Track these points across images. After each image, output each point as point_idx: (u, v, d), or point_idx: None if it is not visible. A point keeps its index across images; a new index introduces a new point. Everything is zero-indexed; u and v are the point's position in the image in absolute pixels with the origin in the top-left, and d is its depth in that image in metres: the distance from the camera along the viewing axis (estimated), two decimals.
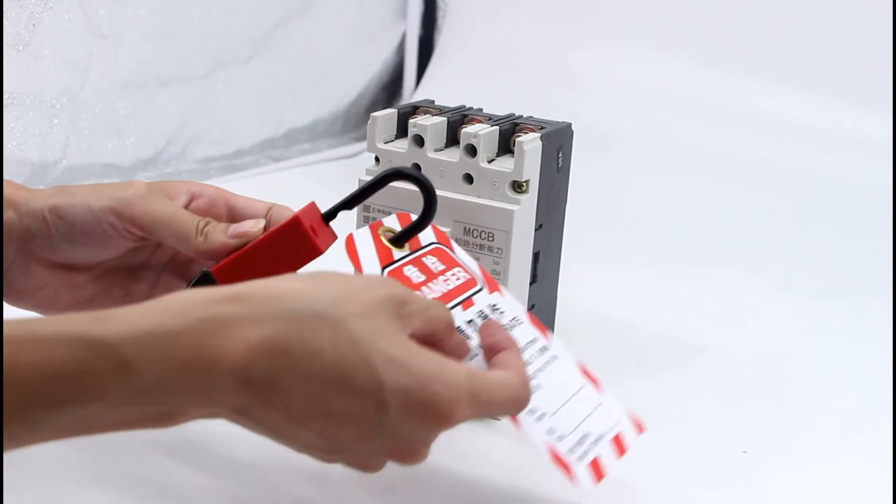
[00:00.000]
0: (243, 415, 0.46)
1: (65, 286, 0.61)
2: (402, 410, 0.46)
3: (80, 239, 0.59)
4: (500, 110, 0.70)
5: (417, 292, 0.53)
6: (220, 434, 0.59)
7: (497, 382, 0.51)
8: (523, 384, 0.52)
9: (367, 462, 0.50)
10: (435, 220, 0.65)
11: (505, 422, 0.68)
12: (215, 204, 0.61)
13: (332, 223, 0.58)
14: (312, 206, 0.58)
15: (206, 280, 0.57)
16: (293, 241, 0.56)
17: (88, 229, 0.58)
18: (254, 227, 0.58)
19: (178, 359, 0.43)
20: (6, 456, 0.42)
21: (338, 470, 0.52)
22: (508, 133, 0.66)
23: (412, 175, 0.56)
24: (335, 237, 0.58)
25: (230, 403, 0.45)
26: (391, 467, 0.52)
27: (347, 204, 0.58)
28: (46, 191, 0.59)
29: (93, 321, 0.42)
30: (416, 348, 0.48)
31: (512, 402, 0.52)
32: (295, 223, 0.56)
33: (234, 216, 0.61)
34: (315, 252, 0.56)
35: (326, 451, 0.48)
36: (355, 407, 0.46)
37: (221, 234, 0.58)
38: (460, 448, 0.65)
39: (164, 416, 0.44)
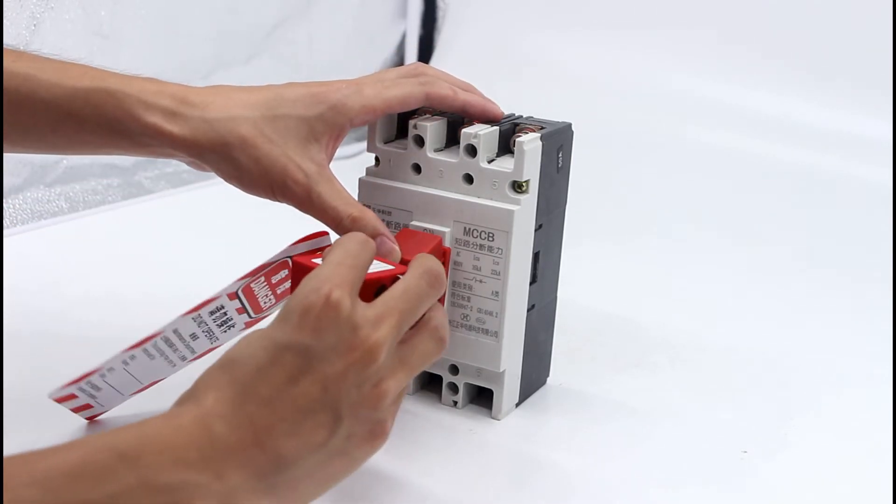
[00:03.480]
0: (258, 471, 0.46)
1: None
2: (300, 331, 0.48)
3: (243, 183, 0.61)
4: None
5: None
6: None
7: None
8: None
9: (368, 391, 0.49)
10: (435, 220, 0.66)
11: (505, 422, 0.68)
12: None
13: None
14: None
15: None
16: None
17: (258, 184, 0.61)
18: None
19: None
20: None
21: None
22: (508, 133, 0.66)
23: None
24: None
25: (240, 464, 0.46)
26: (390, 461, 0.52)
27: None
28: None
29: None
30: None
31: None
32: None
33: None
34: None
35: (332, 422, 0.48)
36: (286, 368, 0.47)
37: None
38: (460, 448, 0.65)
39: None
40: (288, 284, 0.63)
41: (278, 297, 0.64)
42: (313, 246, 0.61)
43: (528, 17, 1.47)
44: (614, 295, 0.91)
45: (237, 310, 0.62)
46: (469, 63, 1.44)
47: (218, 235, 1.01)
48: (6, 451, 0.59)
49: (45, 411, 0.63)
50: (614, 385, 0.74)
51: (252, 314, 0.63)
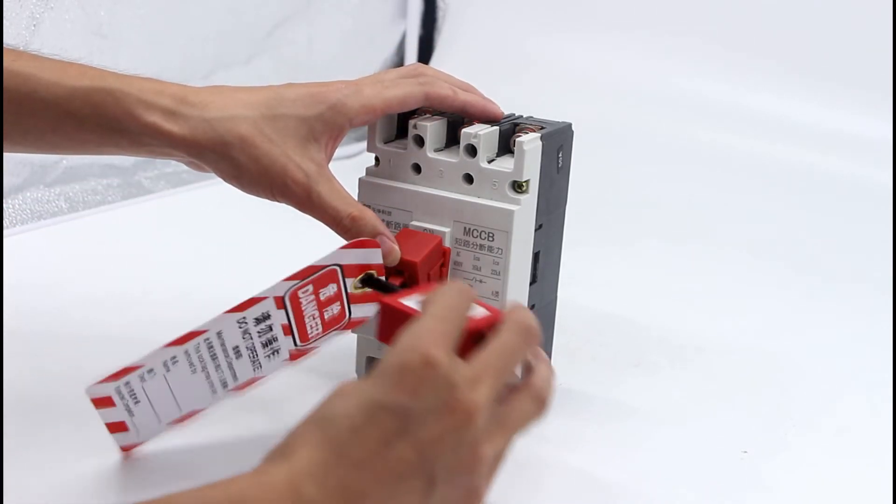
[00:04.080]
0: None
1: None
2: (397, 391, 0.46)
3: (242, 183, 0.61)
4: None
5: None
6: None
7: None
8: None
9: (465, 456, 0.47)
10: (435, 220, 0.66)
11: None
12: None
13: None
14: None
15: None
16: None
17: (257, 184, 0.61)
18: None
19: None
20: None
21: None
22: (508, 133, 0.66)
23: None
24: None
25: None
26: None
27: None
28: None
29: None
30: None
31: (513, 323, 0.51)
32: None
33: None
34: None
35: (426, 488, 0.46)
36: (382, 429, 0.46)
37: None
38: None
39: None
40: (336, 307, 0.61)
41: (326, 326, 0.61)
42: (364, 259, 0.59)
43: (528, 18, 1.47)
44: (614, 295, 0.91)
45: (283, 326, 0.59)
46: (469, 63, 1.44)
47: (217, 235, 1.01)
48: (6, 451, 0.59)
49: (44, 411, 0.63)
50: (614, 385, 0.74)
51: (298, 342, 0.60)
